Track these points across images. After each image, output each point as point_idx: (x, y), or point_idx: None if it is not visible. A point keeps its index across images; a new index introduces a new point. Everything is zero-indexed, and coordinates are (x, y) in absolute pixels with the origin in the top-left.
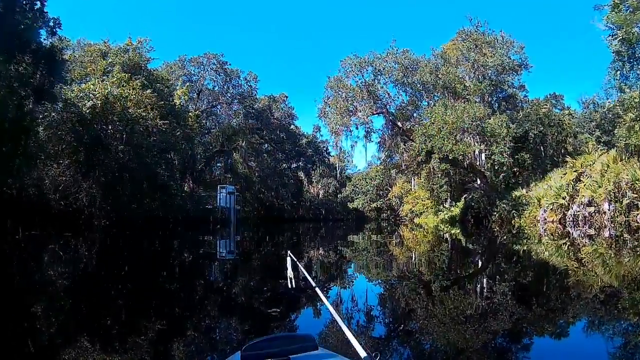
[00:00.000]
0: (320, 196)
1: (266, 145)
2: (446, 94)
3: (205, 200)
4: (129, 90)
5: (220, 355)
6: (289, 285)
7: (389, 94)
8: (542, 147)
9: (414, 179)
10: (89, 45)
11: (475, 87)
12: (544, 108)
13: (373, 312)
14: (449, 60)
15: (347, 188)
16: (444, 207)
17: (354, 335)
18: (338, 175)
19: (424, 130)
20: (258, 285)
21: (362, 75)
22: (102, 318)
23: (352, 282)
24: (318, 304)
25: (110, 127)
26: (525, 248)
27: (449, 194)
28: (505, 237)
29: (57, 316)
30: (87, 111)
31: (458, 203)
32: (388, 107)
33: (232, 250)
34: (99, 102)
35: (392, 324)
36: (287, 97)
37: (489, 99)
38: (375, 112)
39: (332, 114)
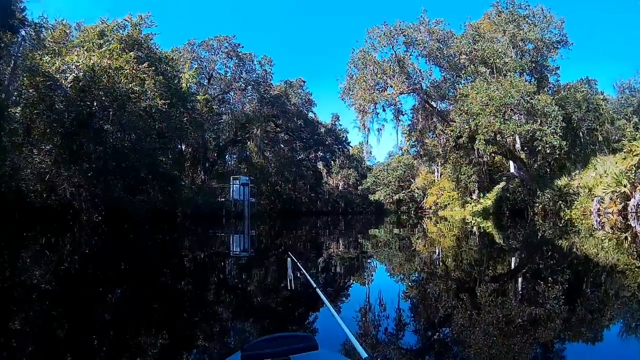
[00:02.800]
0: (340, 188)
1: (282, 134)
2: (485, 70)
3: (217, 192)
4: (122, 62)
5: (220, 355)
6: (289, 286)
7: (420, 70)
8: (580, 133)
9: (439, 170)
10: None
11: (515, 62)
12: (581, 92)
13: (375, 312)
14: (484, 35)
15: (367, 179)
16: (471, 198)
17: (354, 335)
18: (365, 162)
19: (466, 108)
20: (260, 286)
21: (392, 47)
22: (95, 320)
23: (357, 282)
24: (319, 304)
25: (95, 104)
26: (572, 242)
27: (477, 184)
28: (551, 232)
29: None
30: (69, 85)
31: (488, 194)
32: (422, 83)
33: (247, 248)
34: (81, 73)
35: (394, 325)
36: (304, 82)
37: (526, 78)
38: (407, 90)
39: (358, 91)
